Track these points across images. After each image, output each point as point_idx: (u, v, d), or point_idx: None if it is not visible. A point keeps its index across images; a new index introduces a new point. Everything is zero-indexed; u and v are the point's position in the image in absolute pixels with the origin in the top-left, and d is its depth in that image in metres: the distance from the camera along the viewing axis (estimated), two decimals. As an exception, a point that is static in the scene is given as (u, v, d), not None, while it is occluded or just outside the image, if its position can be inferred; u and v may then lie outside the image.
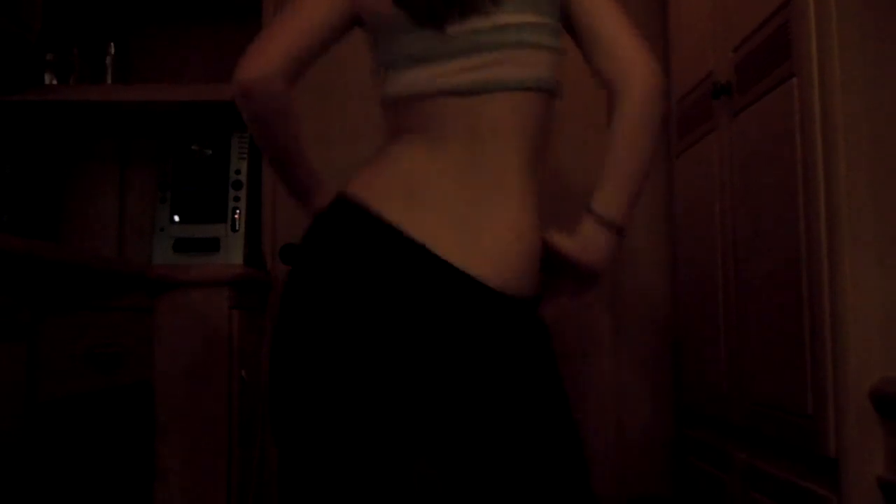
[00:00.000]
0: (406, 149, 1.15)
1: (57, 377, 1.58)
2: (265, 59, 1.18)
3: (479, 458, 1.09)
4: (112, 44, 2.56)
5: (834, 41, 1.48)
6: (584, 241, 1.18)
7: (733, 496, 1.93)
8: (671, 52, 2.42)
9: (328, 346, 1.06)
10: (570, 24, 1.22)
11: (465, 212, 1.10)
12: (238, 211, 2.43)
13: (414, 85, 1.14)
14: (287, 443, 1.12)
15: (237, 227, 2.42)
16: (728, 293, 1.97)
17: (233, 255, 2.40)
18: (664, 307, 2.61)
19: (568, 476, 1.14)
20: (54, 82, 2.40)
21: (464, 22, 1.12)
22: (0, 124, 2.32)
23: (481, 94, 1.12)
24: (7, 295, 1.42)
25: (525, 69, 1.14)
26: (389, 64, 1.18)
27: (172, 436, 2.11)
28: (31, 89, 2.32)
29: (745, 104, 1.84)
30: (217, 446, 2.12)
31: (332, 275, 1.08)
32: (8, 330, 1.41)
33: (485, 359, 1.09)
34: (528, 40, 1.14)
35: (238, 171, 2.46)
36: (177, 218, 2.43)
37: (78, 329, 1.68)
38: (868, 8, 1.49)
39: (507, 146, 1.14)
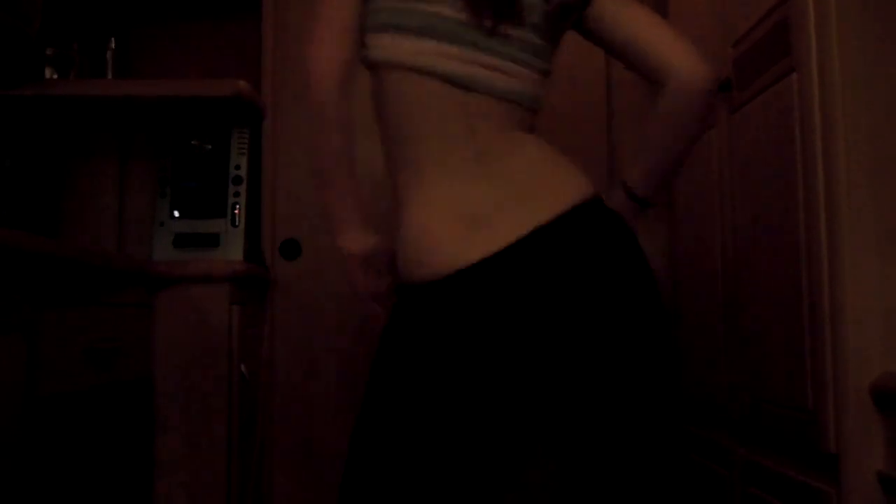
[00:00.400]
0: (424, 162, 1.13)
1: (57, 372, 1.58)
2: (328, 61, 1.16)
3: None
4: (112, 39, 2.56)
5: (833, 37, 1.48)
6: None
7: (733, 491, 1.93)
8: (671, 48, 2.42)
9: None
10: (600, 38, 1.21)
11: (510, 190, 1.10)
12: (238, 206, 2.43)
13: (399, 53, 1.12)
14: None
15: (237, 223, 2.42)
16: (728, 288, 1.97)
17: (233, 250, 2.40)
18: (664, 302, 2.61)
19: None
20: (54, 77, 2.40)
21: (472, 17, 1.11)
22: (0, 119, 2.31)
23: (478, 93, 1.11)
24: (7, 290, 1.42)
25: (515, 83, 1.14)
26: (379, 27, 1.15)
27: (172, 431, 2.11)
28: (31, 84, 2.32)
29: (744, 100, 1.84)
30: (216, 442, 2.13)
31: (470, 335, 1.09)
32: (7, 325, 1.41)
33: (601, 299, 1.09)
34: (523, 58, 1.14)
35: (238, 167, 2.46)
36: (177, 213, 2.43)
37: (78, 324, 1.68)
38: (867, 3, 1.48)
39: (505, 137, 1.14)
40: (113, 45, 2.56)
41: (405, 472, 1.09)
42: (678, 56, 1.15)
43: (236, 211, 2.43)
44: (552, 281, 1.07)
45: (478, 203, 1.09)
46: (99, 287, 1.81)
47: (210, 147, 2.48)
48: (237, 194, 2.44)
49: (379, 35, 1.13)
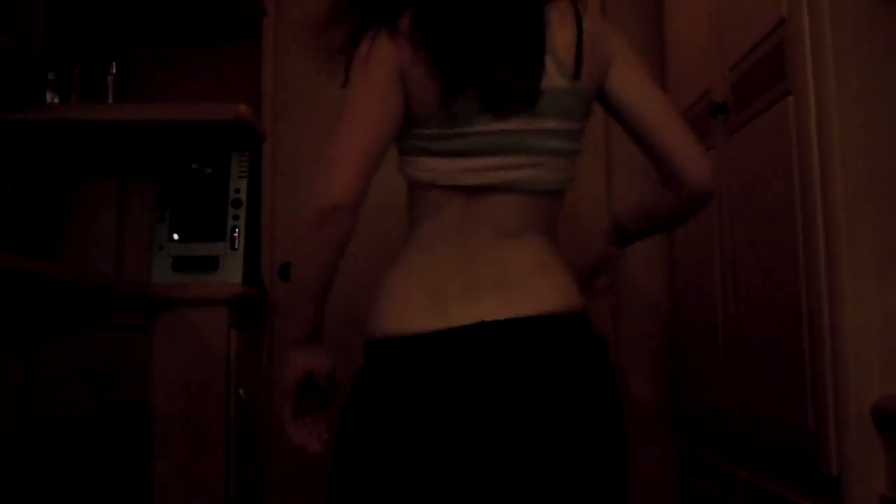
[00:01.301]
0: (416, 256, 1.17)
1: (54, 395, 1.57)
2: (343, 183, 1.12)
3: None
4: (113, 63, 2.58)
5: (829, 60, 1.50)
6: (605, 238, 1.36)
7: (734, 515, 1.92)
8: (668, 71, 2.44)
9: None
10: (610, 106, 1.25)
11: (499, 282, 1.13)
12: (237, 230, 2.43)
13: (433, 173, 1.16)
14: None
15: (236, 246, 2.42)
16: (727, 311, 1.97)
17: (232, 273, 2.40)
18: (663, 324, 2.61)
19: None
20: (56, 101, 2.41)
21: (504, 121, 1.13)
22: (1, 142, 2.32)
23: (498, 192, 1.15)
24: (5, 312, 1.41)
25: (544, 173, 1.16)
26: (417, 150, 1.18)
27: (170, 455, 2.09)
28: (32, 108, 2.33)
29: (741, 123, 1.85)
30: (215, 465, 2.11)
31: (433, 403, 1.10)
32: (5, 347, 1.41)
33: (565, 389, 1.10)
34: (556, 147, 1.16)
35: (237, 190, 2.46)
36: (176, 236, 2.44)
37: (76, 347, 1.68)
38: (863, 27, 1.50)
39: (518, 230, 1.16)
40: (114, 70, 2.57)
41: None
42: (693, 167, 1.22)
43: (235, 234, 2.43)
44: (482, 372, 1.08)
45: (441, 290, 1.12)
46: (97, 310, 1.81)
47: (210, 171, 2.49)
48: (236, 217, 2.44)
49: (416, 158, 1.17)
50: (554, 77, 1.14)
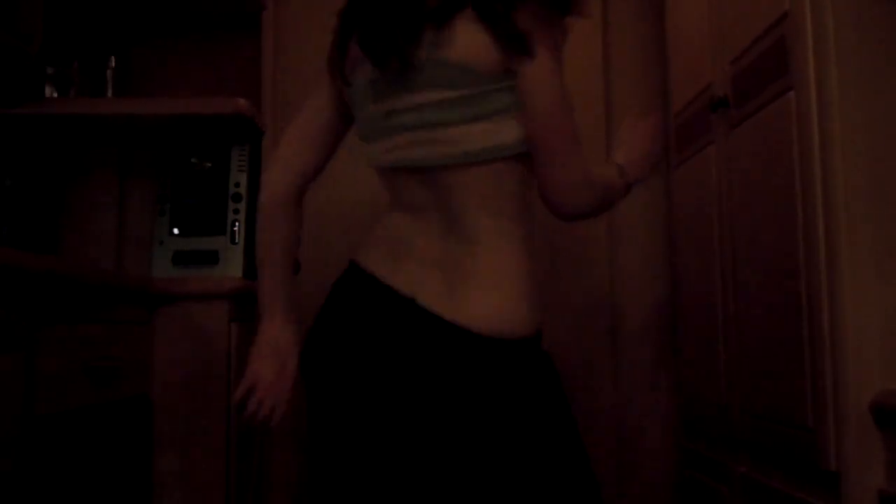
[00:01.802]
0: (394, 216, 1.25)
1: (55, 390, 1.58)
2: (273, 185, 1.33)
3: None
4: (113, 57, 2.57)
5: (831, 55, 1.49)
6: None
7: (733, 510, 1.92)
8: (669, 65, 2.43)
9: (335, 398, 1.19)
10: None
11: (448, 267, 1.15)
12: (237, 224, 2.43)
13: (373, 159, 1.25)
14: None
15: (236, 240, 2.42)
16: (727, 306, 1.97)
17: (232, 267, 2.39)
18: (664, 320, 2.61)
19: None
20: (55, 95, 2.41)
21: (384, 102, 1.19)
22: (0, 137, 2.32)
23: (431, 169, 1.17)
24: (5, 307, 1.41)
25: (448, 147, 1.14)
26: (361, 137, 1.29)
27: (171, 449, 2.10)
28: (31, 102, 2.33)
29: (742, 117, 1.85)
30: (215, 459, 2.12)
31: (341, 335, 1.20)
32: (5, 342, 1.41)
33: (485, 405, 1.12)
34: (441, 119, 1.14)
35: (237, 184, 2.46)
36: (176, 230, 2.43)
37: (76, 342, 1.68)
38: (865, 21, 1.49)
39: (473, 210, 1.16)
40: (113, 64, 2.57)
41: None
42: (551, 196, 1.19)
43: (236, 228, 2.43)
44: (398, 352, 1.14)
45: (397, 249, 1.20)
46: (98, 305, 1.81)
47: (210, 165, 2.49)
48: (237, 212, 2.44)
49: (364, 145, 1.27)
50: (429, 49, 1.12)
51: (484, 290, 1.14)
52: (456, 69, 1.12)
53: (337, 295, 1.24)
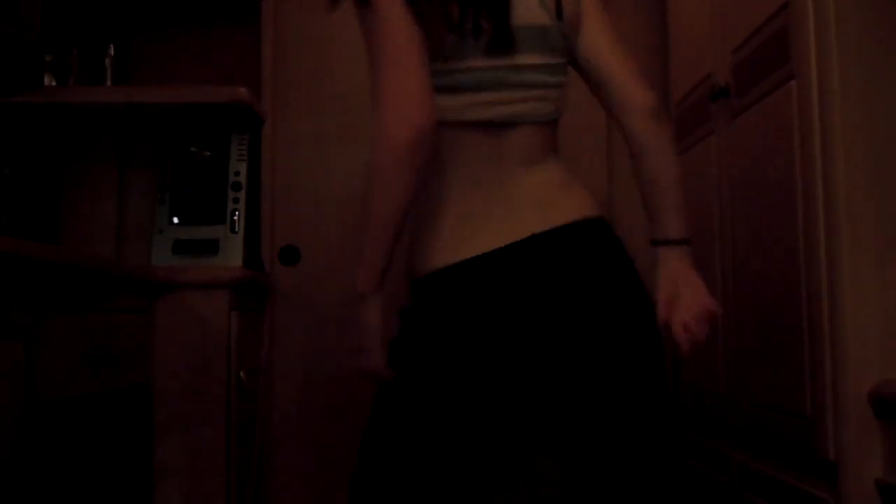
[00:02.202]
0: (445, 191, 1.18)
1: (56, 379, 1.58)
2: (418, 118, 1.08)
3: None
4: (111, 45, 2.57)
5: (833, 44, 1.49)
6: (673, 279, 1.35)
7: (732, 498, 1.93)
8: (670, 54, 2.42)
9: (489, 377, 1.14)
10: (576, 62, 1.28)
11: (532, 198, 1.19)
12: (237, 213, 2.43)
13: (444, 112, 1.13)
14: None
15: (236, 229, 2.42)
16: (727, 295, 1.97)
17: (232, 256, 2.39)
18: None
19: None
20: (53, 84, 2.40)
21: (490, 59, 1.17)
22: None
23: (503, 127, 1.19)
24: (5, 296, 1.41)
25: (539, 106, 1.22)
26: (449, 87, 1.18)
27: (171, 437, 2.10)
28: (30, 91, 2.32)
29: (743, 107, 1.85)
30: (216, 448, 2.12)
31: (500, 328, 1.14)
32: (6, 331, 1.41)
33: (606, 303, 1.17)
34: (542, 80, 1.22)
35: (237, 173, 2.46)
36: (176, 219, 2.43)
37: (77, 331, 1.68)
38: (867, 11, 1.49)
39: (530, 157, 1.22)
40: (112, 52, 2.56)
41: (416, 463, 1.15)
42: (637, 89, 1.27)
43: (235, 217, 2.43)
44: (541, 284, 1.14)
45: (484, 214, 1.17)
46: (98, 293, 1.81)
47: (209, 153, 2.48)
48: (236, 201, 2.44)
49: (447, 98, 1.16)
50: (536, 14, 1.20)
51: (567, 191, 1.22)
52: (561, 37, 1.22)
53: (468, 302, 1.14)
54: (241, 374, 2.21)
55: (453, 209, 1.18)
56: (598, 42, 1.27)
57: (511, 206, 1.17)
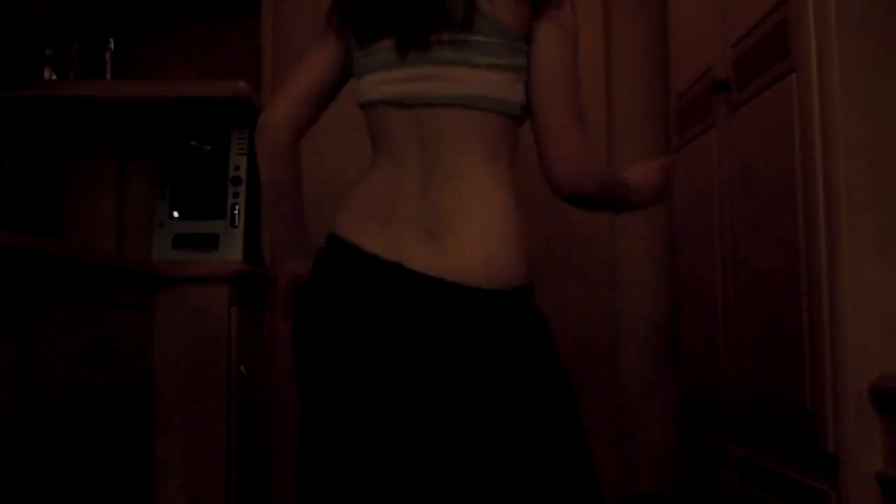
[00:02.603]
0: (375, 171, 1.23)
1: (56, 373, 1.58)
2: (272, 109, 1.31)
3: (478, 460, 1.12)
4: (111, 40, 2.56)
5: (833, 37, 1.48)
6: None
7: (731, 492, 1.93)
8: (670, 47, 2.42)
9: (332, 371, 1.19)
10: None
11: (430, 223, 1.14)
12: (237, 207, 2.43)
13: (372, 91, 1.22)
14: (309, 449, 1.27)
15: (236, 224, 2.42)
16: (727, 289, 1.97)
17: (232, 251, 2.39)
18: (663, 303, 2.61)
19: (572, 471, 1.15)
20: (53, 78, 2.40)
21: (399, 38, 1.18)
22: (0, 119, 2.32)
23: (424, 107, 1.17)
24: (6, 290, 1.42)
25: (465, 86, 1.15)
26: (356, 72, 1.27)
27: (172, 431, 2.11)
28: (30, 85, 2.32)
29: (744, 100, 1.84)
30: (216, 441, 2.13)
31: (328, 307, 1.18)
32: (6, 325, 1.41)
33: (478, 358, 1.11)
34: (473, 60, 1.15)
35: (237, 168, 2.46)
36: (176, 214, 2.43)
37: (77, 325, 1.68)
38: (866, 3, 1.49)
39: (457, 158, 1.16)
40: (112, 46, 2.55)
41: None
42: (555, 170, 1.18)
43: (235, 211, 2.42)
44: (405, 323, 1.13)
45: (387, 210, 1.17)
46: (98, 287, 1.81)
47: (209, 148, 2.48)
48: (236, 195, 2.44)
49: (357, 81, 1.27)
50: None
51: (471, 233, 1.13)
52: (488, 20, 1.14)
53: (321, 271, 1.22)
54: (242, 368, 2.21)
55: (360, 196, 1.23)
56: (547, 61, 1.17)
57: (393, 220, 1.15)
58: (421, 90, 1.16)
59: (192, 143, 2.49)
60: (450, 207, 1.14)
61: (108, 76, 2.54)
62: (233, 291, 2.21)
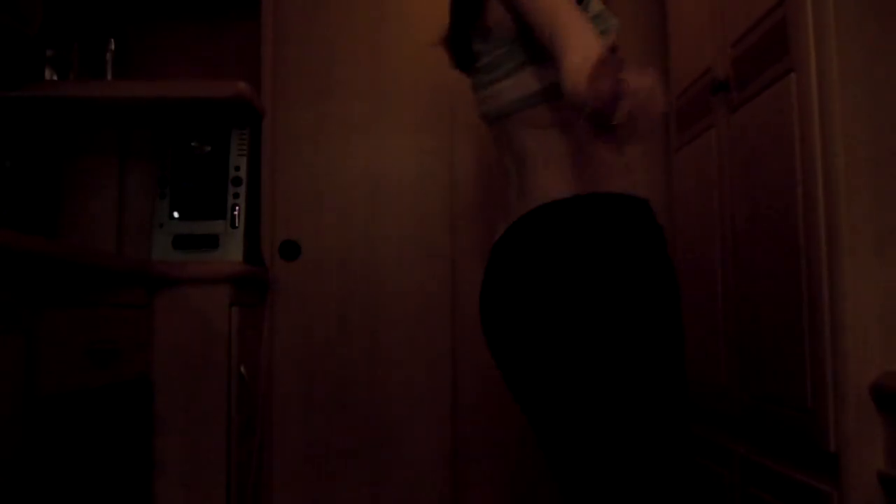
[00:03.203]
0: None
1: (56, 373, 1.58)
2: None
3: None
4: (112, 40, 2.56)
5: (832, 36, 1.49)
6: None
7: (733, 491, 1.93)
8: (670, 48, 2.42)
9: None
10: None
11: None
12: (237, 207, 2.43)
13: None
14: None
15: (236, 224, 2.42)
16: (727, 287, 1.97)
17: (232, 251, 2.40)
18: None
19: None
20: (54, 78, 2.40)
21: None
22: (0, 119, 2.32)
23: (491, 124, 1.41)
24: (6, 290, 1.41)
25: (504, 96, 1.35)
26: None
27: (171, 432, 2.11)
28: (30, 85, 2.32)
29: (743, 100, 1.84)
30: (216, 441, 2.12)
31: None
32: (6, 325, 1.41)
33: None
34: (496, 76, 1.36)
35: (237, 168, 2.46)
36: (176, 214, 2.43)
37: (77, 325, 1.68)
38: (865, 4, 1.49)
39: (515, 149, 1.37)
40: (112, 47, 2.56)
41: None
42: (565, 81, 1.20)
43: (236, 212, 2.43)
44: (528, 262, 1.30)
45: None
46: (98, 288, 1.81)
47: (209, 148, 2.48)
48: (237, 195, 2.44)
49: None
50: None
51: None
52: (486, 35, 1.35)
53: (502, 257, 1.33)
54: (242, 368, 2.21)
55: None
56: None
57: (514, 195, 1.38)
58: (485, 111, 1.43)
59: (193, 143, 2.49)
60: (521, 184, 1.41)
61: (109, 76, 2.54)
62: (233, 292, 2.21)
